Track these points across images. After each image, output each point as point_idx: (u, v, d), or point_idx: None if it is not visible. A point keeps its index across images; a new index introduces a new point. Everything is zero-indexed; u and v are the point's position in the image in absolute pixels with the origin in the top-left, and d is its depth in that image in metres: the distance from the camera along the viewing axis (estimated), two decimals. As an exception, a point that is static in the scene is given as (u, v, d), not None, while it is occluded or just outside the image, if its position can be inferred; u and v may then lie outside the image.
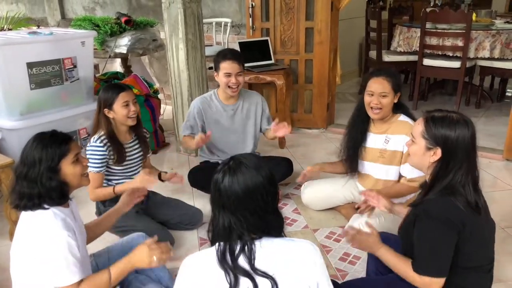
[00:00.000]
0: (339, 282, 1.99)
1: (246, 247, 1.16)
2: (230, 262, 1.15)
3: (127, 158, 2.30)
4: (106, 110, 2.22)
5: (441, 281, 1.41)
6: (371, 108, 2.28)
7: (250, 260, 1.15)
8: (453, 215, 1.40)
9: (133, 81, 3.45)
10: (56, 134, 1.56)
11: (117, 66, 4.51)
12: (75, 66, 3.03)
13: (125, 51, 3.70)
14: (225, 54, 2.64)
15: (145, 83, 3.53)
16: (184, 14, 3.17)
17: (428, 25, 4.35)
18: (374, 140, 2.37)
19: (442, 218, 1.40)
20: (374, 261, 1.91)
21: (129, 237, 2.01)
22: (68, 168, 1.53)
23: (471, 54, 4.25)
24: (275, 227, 1.22)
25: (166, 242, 1.59)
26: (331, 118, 4.15)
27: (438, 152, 1.46)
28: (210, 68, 4.44)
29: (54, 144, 1.51)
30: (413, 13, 5.43)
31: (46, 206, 1.47)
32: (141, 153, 2.41)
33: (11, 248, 1.48)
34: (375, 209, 2.10)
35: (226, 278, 1.14)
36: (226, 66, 2.59)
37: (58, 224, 1.44)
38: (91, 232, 1.82)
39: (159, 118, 3.74)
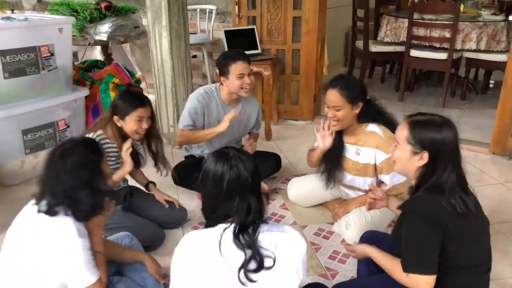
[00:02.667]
0: (331, 282, 1.97)
1: (255, 228, 1.22)
2: (248, 238, 1.20)
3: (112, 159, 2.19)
4: (116, 118, 2.08)
5: (429, 278, 1.37)
6: (331, 122, 2.20)
7: (256, 240, 1.21)
8: (438, 213, 1.38)
9: (114, 70, 3.31)
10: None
11: (97, 53, 4.33)
12: (52, 54, 2.87)
13: (105, 39, 3.54)
14: (234, 56, 2.48)
15: (127, 72, 3.40)
16: (168, 1, 3.04)
17: (415, 16, 4.30)
18: (348, 150, 2.31)
19: (426, 215, 1.38)
20: (364, 260, 1.88)
21: (113, 237, 1.94)
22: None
23: (458, 46, 4.23)
24: (262, 210, 1.29)
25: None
26: (318, 109, 4.09)
27: (425, 156, 1.44)
28: (194, 56, 4.33)
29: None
30: (400, 2, 5.38)
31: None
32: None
33: (8, 244, 1.47)
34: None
35: (235, 255, 1.19)
36: (238, 67, 2.44)
37: (76, 233, 1.43)
38: None
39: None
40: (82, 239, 1.44)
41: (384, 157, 2.18)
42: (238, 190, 1.22)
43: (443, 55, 4.22)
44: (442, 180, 1.40)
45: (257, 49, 3.75)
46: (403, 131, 1.49)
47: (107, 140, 2.12)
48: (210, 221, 1.28)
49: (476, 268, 1.48)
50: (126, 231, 1.99)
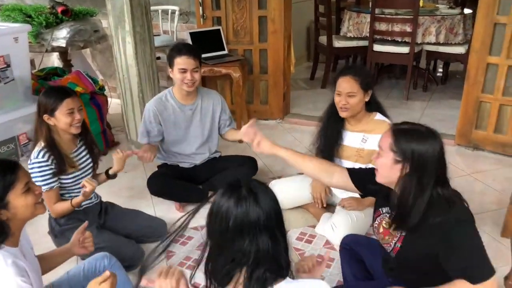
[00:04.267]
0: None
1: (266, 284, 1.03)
2: None
3: (76, 168, 2.09)
4: (46, 116, 1.97)
5: (494, 279, 1.37)
6: (340, 108, 2.22)
7: None
8: (469, 213, 1.41)
9: (76, 78, 3.15)
10: None
11: (54, 60, 4.12)
12: (8, 65, 2.71)
13: (64, 45, 3.37)
14: (180, 49, 2.45)
15: (89, 79, 3.25)
16: (131, 5, 2.91)
17: (376, 10, 4.36)
18: (350, 138, 2.33)
19: (469, 219, 1.39)
20: (348, 265, 1.89)
21: (91, 259, 1.84)
22: (18, 201, 1.33)
23: (419, 40, 4.33)
24: (283, 262, 1.08)
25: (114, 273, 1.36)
26: (287, 108, 4.08)
27: (407, 166, 1.40)
28: (158, 58, 4.20)
29: None
30: (359, -4, 5.45)
31: None
32: (89, 160, 2.19)
33: None
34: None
35: None
36: (181, 61, 2.42)
37: (9, 271, 1.26)
38: (45, 264, 1.64)
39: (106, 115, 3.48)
40: (20, 278, 1.28)
41: None
42: (247, 229, 1.02)
43: (405, 49, 4.31)
44: (440, 194, 1.39)
45: (224, 50, 3.68)
46: (387, 139, 1.46)
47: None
48: (215, 265, 1.09)
49: None
50: (103, 251, 1.90)
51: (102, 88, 3.35)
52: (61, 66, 3.72)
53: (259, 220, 1.02)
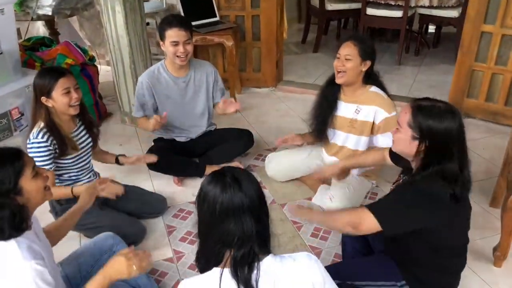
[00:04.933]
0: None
1: (254, 263, 1.12)
2: (245, 272, 1.11)
3: (76, 150, 2.09)
4: (43, 99, 1.94)
5: (375, 223, 1.43)
6: (337, 72, 2.25)
7: (252, 278, 1.11)
8: (439, 195, 1.41)
9: (66, 49, 3.07)
10: (2, 151, 1.35)
11: (39, 27, 3.96)
12: (-5, 39, 2.61)
13: (50, 13, 3.24)
14: (171, 21, 2.40)
15: (79, 50, 3.16)
16: (119, -28, 2.80)
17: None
18: (344, 109, 2.35)
19: (425, 191, 1.41)
20: (350, 240, 1.95)
21: (97, 238, 1.88)
22: (30, 186, 1.34)
23: (412, 3, 4.28)
24: (267, 238, 1.18)
25: (144, 250, 1.48)
26: (280, 75, 4.05)
27: (425, 143, 1.45)
28: (147, 24, 4.09)
29: (5, 163, 1.31)
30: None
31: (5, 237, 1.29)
32: (89, 140, 2.19)
33: None
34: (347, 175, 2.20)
35: None
36: (172, 34, 2.37)
37: (24, 256, 1.28)
38: (53, 237, 1.66)
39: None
40: (35, 261, 1.29)
41: (384, 116, 2.25)
42: (232, 212, 1.11)
43: (398, 13, 4.25)
44: (447, 168, 1.42)
45: (216, 16, 3.59)
46: (406, 115, 1.48)
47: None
48: (203, 249, 1.20)
49: (458, 250, 1.58)
50: (105, 231, 1.94)
51: (92, 59, 3.27)
52: (47, 34, 3.60)
53: (243, 204, 1.12)
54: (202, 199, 1.16)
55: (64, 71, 2.01)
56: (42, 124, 1.97)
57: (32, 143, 1.96)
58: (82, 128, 2.16)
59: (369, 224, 1.44)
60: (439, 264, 1.56)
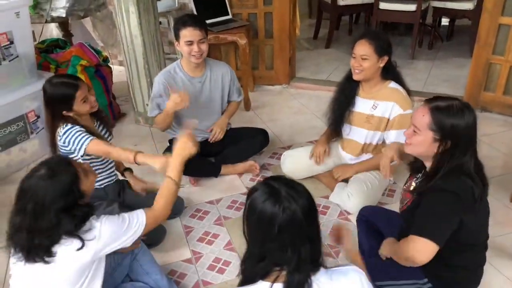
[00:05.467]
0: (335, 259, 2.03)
1: (308, 282, 1.07)
2: None
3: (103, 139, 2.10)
4: (65, 113, 1.94)
5: (434, 248, 1.40)
6: (354, 71, 2.24)
7: None
8: (463, 191, 1.40)
9: (80, 50, 3.08)
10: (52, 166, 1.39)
11: (52, 29, 4.00)
12: (12, 42, 2.62)
13: (64, 15, 3.27)
14: (185, 21, 2.40)
15: (93, 51, 3.18)
16: (132, -28, 2.81)
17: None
18: (362, 105, 2.34)
19: (456, 192, 1.39)
20: (365, 237, 1.94)
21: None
22: (86, 185, 1.43)
23: (426, -4, 4.22)
24: (319, 255, 1.13)
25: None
26: (293, 73, 4.03)
27: (448, 143, 1.44)
28: (159, 23, 4.10)
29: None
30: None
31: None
32: (107, 135, 2.21)
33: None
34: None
35: None
36: (187, 33, 2.37)
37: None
38: None
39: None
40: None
41: (399, 111, 2.23)
42: (290, 237, 1.05)
43: (412, 7, 4.20)
44: (463, 163, 1.42)
45: (228, 14, 3.58)
46: (423, 117, 1.46)
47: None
48: (253, 269, 1.12)
49: (478, 246, 1.57)
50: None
51: (106, 60, 3.29)
52: (61, 36, 3.62)
53: (302, 227, 1.05)
54: (256, 217, 1.09)
55: (77, 82, 1.98)
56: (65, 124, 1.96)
57: (66, 130, 1.92)
58: (99, 125, 2.17)
59: (424, 251, 1.41)
60: (462, 261, 1.55)
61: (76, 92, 1.93)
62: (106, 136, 2.18)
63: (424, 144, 1.49)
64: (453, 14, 4.48)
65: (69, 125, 1.94)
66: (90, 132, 2.00)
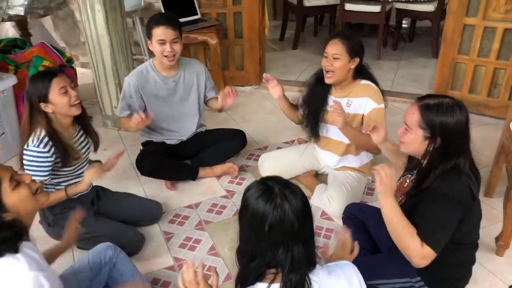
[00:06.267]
0: (323, 261, 2.00)
1: (305, 280, 1.06)
2: None
3: (79, 159, 1.98)
4: (42, 105, 1.82)
5: (434, 255, 1.42)
6: (326, 72, 2.22)
7: None
8: (464, 195, 1.41)
9: (42, 51, 2.91)
10: None
11: (8, 29, 3.75)
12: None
13: (22, 13, 3.06)
14: (158, 19, 2.32)
15: (56, 52, 3.01)
16: (98, -31, 2.67)
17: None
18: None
19: (456, 198, 1.40)
20: (353, 234, 1.92)
21: (95, 251, 1.76)
22: (12, 198, 1.25)
23: (389, -2, 4.32)
24: (312, 256, 1.11)
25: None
26: (263, 72, 3.97)
27: (438, 141, 1.44)
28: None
29: None
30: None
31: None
32: (88, 145, 2.08)
33: None
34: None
35: None
36: (159, 32, 2.29)
37: (30, 267, 1.18)
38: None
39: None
40: (41, 273, 1.20)
41: (373, 106, 2.23)
42: (281, 237, 1.04)
43: (377, 8, 4.28)
44: (460, 163, 1.42)
45: (197, 14, 3.50)
46: (413, 115, 1.47)
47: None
48: (246, 269, 1.11)
49: (471, 244, 1.59)
50: (102, 240, 1.83)
51: (70, 61, 3.12)
52: (18, 36, 3.41)
53: (293, 227, 1.04)
54: (248, 215, 1.08)
55: (56, 72, 1.89)
56: (42, 133, 1.84)
57: (31, 150, 1.82)
58: (81, 133, 2.05)
59: (426, 260, 1.41)
60: (456, 259, 1.56)
61: (52, 80, 1.81)
62: (84, 150, 2.04)
63: (416, 142, 1.50)
64: (415, 16, 4.62)
65: (41, 146, 1.81)
66: (65, 151, 1.88)
